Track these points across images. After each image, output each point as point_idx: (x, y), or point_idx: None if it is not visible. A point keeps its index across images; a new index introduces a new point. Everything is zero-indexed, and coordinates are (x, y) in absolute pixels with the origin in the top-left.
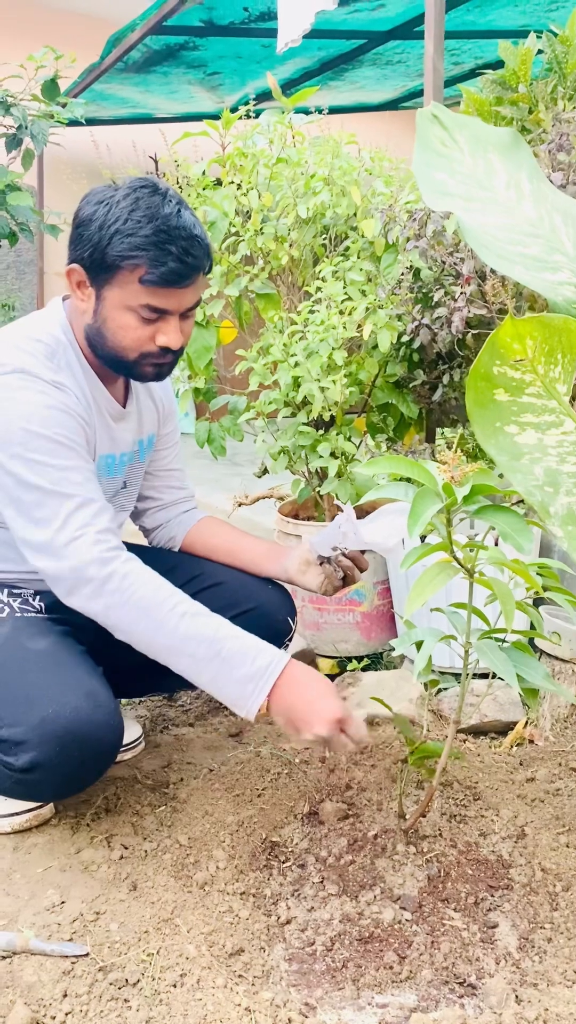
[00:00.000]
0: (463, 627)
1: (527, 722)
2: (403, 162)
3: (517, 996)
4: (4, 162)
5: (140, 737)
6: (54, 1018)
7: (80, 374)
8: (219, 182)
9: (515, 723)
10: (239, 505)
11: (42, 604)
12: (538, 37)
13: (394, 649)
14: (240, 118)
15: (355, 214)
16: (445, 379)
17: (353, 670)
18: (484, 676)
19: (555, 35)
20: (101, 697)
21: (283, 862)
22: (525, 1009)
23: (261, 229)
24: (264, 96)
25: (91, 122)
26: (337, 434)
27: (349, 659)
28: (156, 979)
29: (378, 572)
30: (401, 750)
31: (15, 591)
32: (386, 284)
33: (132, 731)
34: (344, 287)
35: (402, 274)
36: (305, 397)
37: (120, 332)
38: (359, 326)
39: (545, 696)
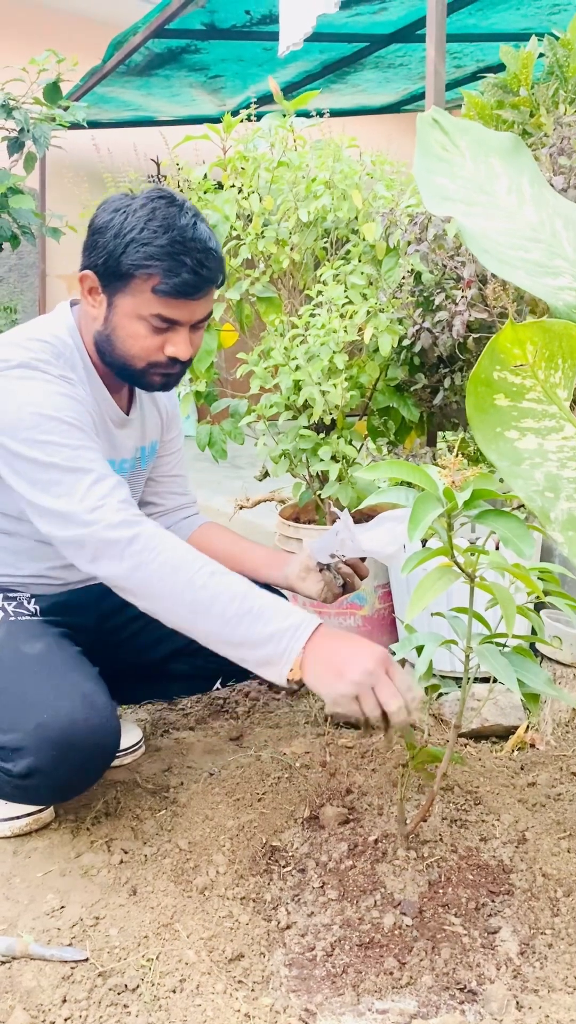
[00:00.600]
0: (464, 632)
1: (528, 727)
2: (404, 165)
3: (518, 1002)
4: (6, 165)
5: (140, 741)
6: (53, 1023)
7: (84, 377)
8: (220, 185)
9: (516, 727)
10: (240, 508)
11: (37, 607)
12: (539, 41)
13: (395, 653)
14: (241, 121)
15: (356, 218)
16: (446, 383)
17: None
18: (485, 680)
19: (556, 39)
20: (97, 700)
21: (283, 867)
22: (526, 1015)
23: (262, 233)
24: (266, 99)
25: (93, 125)
26: (338, 438)
27: None
28: (155, 984)
29: (379, 576)
30: (402, 755)
31: (10, 595)
32: (387, 288)
33: (132, 735)
34: (345, 291)
35: (403, 278)
36: (306, 400)
37: (130, 340)
38: (360, 330)
39: (546, 701)
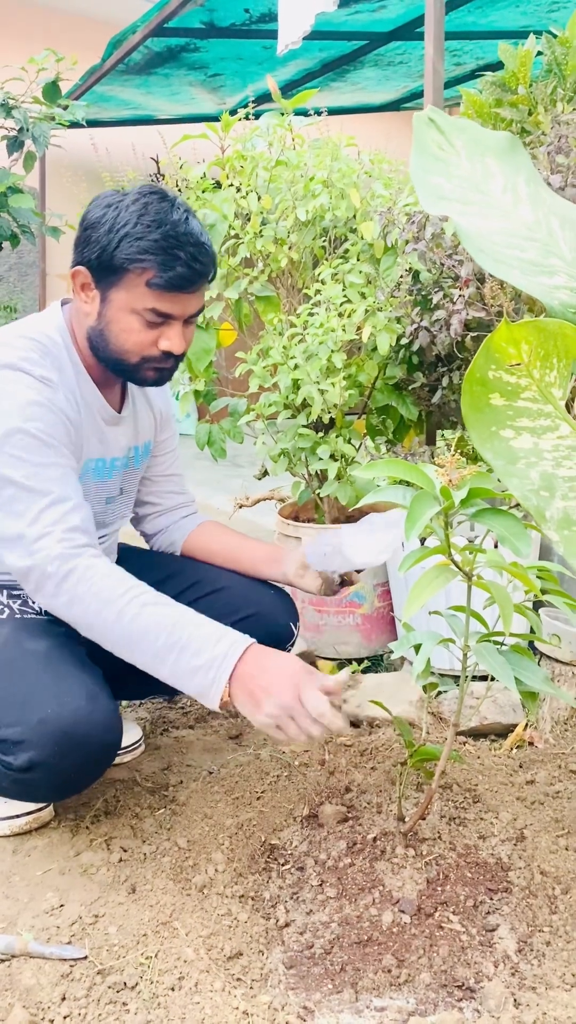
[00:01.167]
0: (462, 630)
1: (527, 725)
2: (403, 164)
3: (515, 1000)
4: (6, 165)
5: (140, 739)
6: (52, 1021)
7: (72, 375)
8: (218, 184)
9: (515, 726)
10: (240, 507)
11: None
12: (538, 39)
13: (394, 654)
14: (239, 120)
15: (354, 216)
16: (444, 381)
17: (353, 672)
18: (484, 679)
19: (555, 36)
20: (100, 698)
21: (282, 865)
22: (523, 1013)
23: (260, 232)
24: (266, 97)
25: (93, 124)
26: (336, 436)
27: (349, 661)
28: (154, 982)
29: (378, 575)
30: (401, 753)
31: (15, 592)
32: (385, 286)
33: (132, 733)
34: (343, 289)
35: (401, 276)
36: (304, 399)
37: (123, 335)
38: (358, 328)
39: (545, 699)
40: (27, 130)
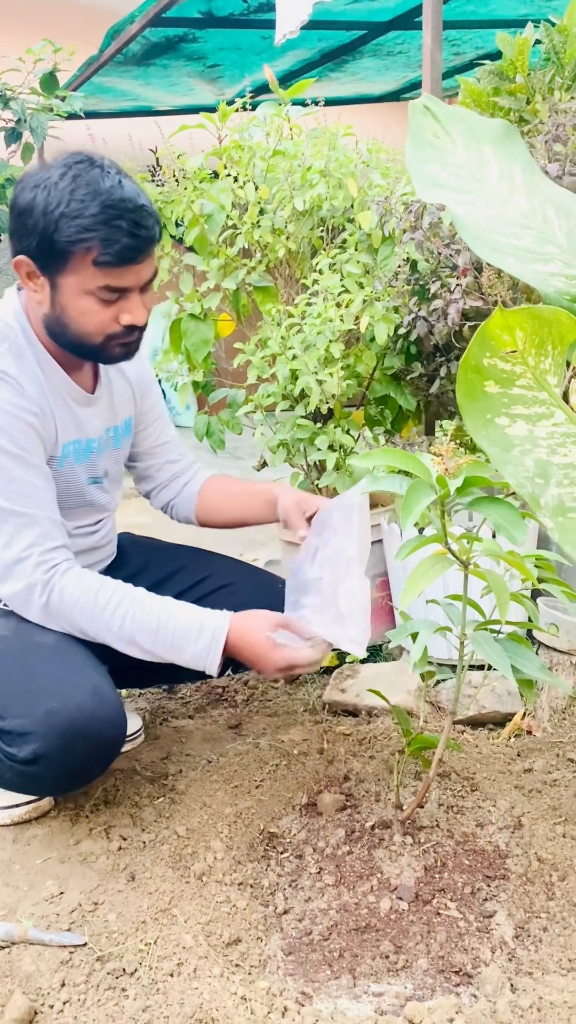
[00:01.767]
0: (459, 618)
1: (525, 714)
2: (400, 153)
3: (512, 985)
4: (4, 156)
5: (140, 729)
6: (52, 1007)
7: (33, 361)
8: (215, 175)
9: (513, 714)
10: None
11: None
12: (536, 27)
13: (391, 643)
14: (237, 111)
15: (352, 206)
16: (442, 371)
17: (352, 662)
18: (482, 668)
19: (553, 25)
20: (107, 693)
21: (281, 853)
22: (520, 997)
23: (258, 222)
24: (265, 88)
25: (91, 115)
26: (335, 427)
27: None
28: (153, 968)
29: (377, 565)
30: (399, 742)
31: None
32: (383, 276)
33: (132, 723)
34: (341, 279)
35: (399, 266)
36: (303, 390)
37: (82, 318)
38: (356, 318)
39: (543, 687)
40: (25, 121)
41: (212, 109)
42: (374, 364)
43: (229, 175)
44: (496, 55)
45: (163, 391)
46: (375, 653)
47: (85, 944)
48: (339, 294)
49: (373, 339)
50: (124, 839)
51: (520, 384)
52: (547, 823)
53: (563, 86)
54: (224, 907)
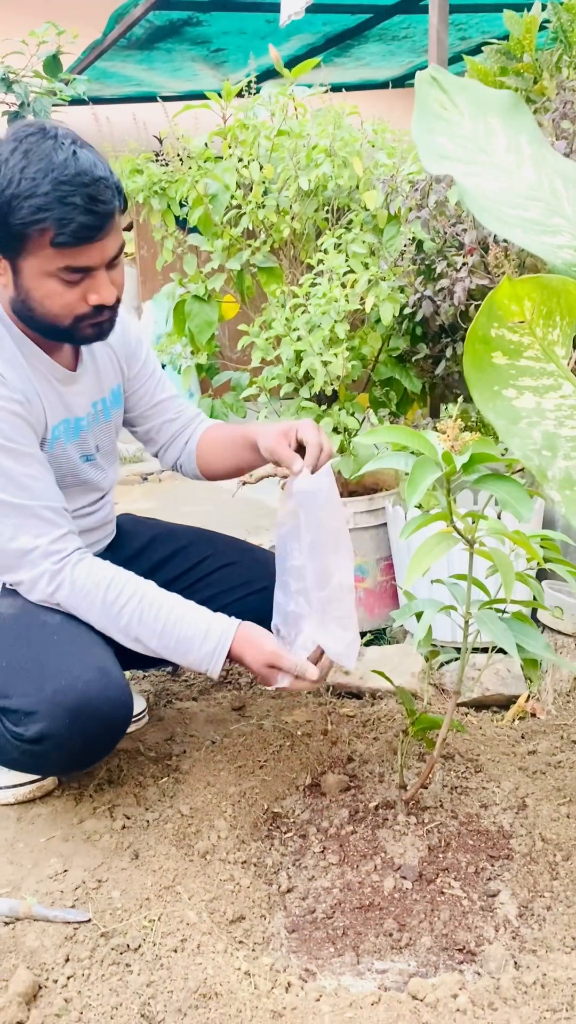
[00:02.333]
0: (463, 598)
1: (529, 696)
2: (407, 134)
3: (516, 962)
4: None
5: (144, 711)
6: (56, 981)
7: (12, 345)
8: (219, 158)
9: (517, 697)
10: (244, 484)
11: None
12: (543, 7)
13: (395, 623)
14: (241, 91)
15: (357, 186)
16: (448, 352)
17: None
18: (486, 651)
19: (561, 3)
20: (113, 673)
21: (284, 832)
22: (523, 974)
23: (263, 202)
24: (269, 74)
25: (95, 101)
26: (340, 409)
27: None
28: (157, 944)
29: (381, 548)
30: (403, 723)
31: None
32: (388, 256)
33: (136, 704)
34: (346, 260)
35: (404, 246)
36: (307, 372)
37: (47, 301)
38: (361, 299)
39: (547, 670)
40: (28, 105)
41: (216, 95)
42: (379, 346)
43: (233, 155)
44: (502, 39)
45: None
46: (379, 636)
47: (89, 920)
48: (344, 274)
49: (378, 320)
50: (128, 818)
51: (528, 356)
52: (551, 804)
53: (571, 64)
54: (228, 885)
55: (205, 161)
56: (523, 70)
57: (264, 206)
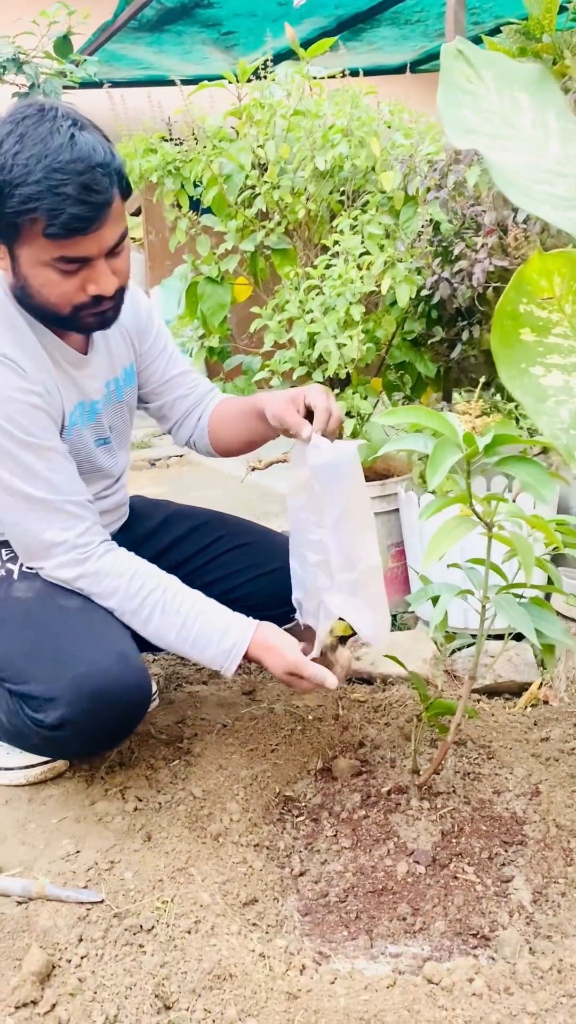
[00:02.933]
0: (480, 582)
1: (542, 683)
2: (423, 115)
3: (531, 947)
4: None
5: (155, 694)
6: (70, 961)
7: (26, 327)
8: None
9: (529, 684)
10: (252, 469)
11: None
12: None
13: (407, 611)
14: (256, 70)
15: (373, 168)
16: (464, 336)
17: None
18: (499, 637)
19: None
20: (132, 659)
21: (296, 816)
22: (539, 960)
23: (278, 183)
24: (280, 58)
25: (102, 84)
26: (353, 393)
27: None
28: (171, 926)
29: (392, 534)
30: (414, 709)
31: None
32: (405, 238)
33: None
34: (362, 241)
35: (422, 227)
36: (321, 355)
37: (44, 289)
38: (377, 280)
39: (560, 657)
40: (38, 86)
41: (232, 74)
42: (394, 329)
43: (248, 134)
44: (521, 22)
45: None
46: (391, 623)
47: (102, 901)
48: (360, 255)
49: (394, 303)
50: (140, 800)
51: (556, 332)
52: (565, 791)
53: None
54: (240, 868)
55: (220, 140)
56: (542, 51)
57: (279, 186)
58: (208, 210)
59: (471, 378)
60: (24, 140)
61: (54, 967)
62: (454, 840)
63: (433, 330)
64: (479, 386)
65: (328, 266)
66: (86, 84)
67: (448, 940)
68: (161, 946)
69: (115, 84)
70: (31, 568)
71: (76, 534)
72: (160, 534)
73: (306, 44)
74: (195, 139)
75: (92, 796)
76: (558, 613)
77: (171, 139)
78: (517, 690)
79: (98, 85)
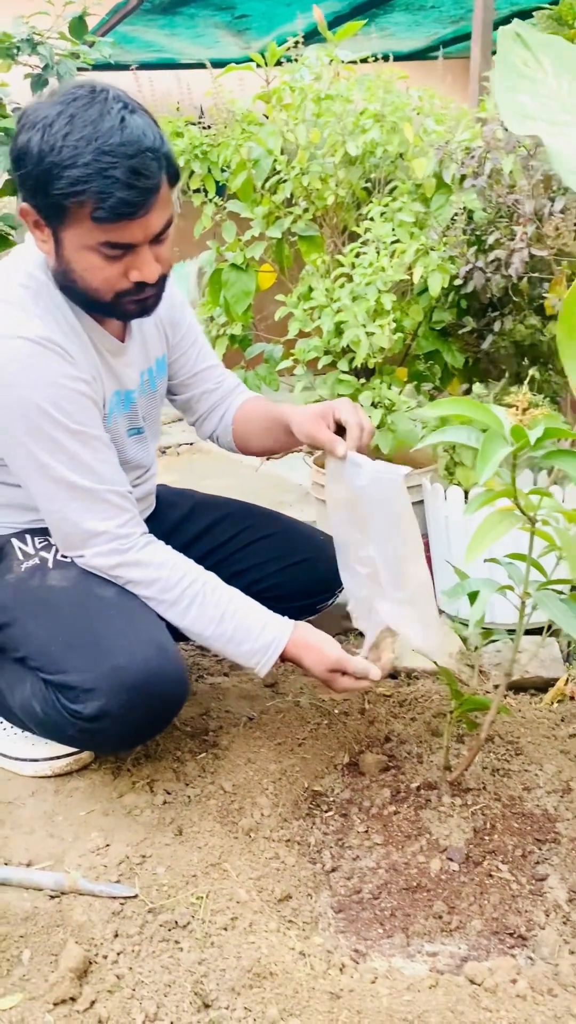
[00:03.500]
0: (520, 578)
1: (568, 679)
2: (452, 101)
3: (570, 948)
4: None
5: None
6: (106, 957)
7: (69, 312)
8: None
9: (555, 680)
10: (267, 459)
11: None
12: None
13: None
14: (288, 49)
15: (402, 155)
16: (496, 326)
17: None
18: (528, 633)
19: None
20: (170, 650)
21: (325, 811)
22: None
23: (307, 168)
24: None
25: (115, 67)
26: (380, 382)
27: None
28: (207, 922)
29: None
30: (440, 704)
31: None
32: (437, 226)
33: None
34: (393, 229)
35: (455, 215)
36: (347, 345)
37: (87, 274)
38: (409, 269)
39: None
40: (51, 67)
41: (237, 63)
42: (420, 319)
43: (278, 118)
44: (527, 13)
45: None
46: (443, 635)
47: (136, 896)
48: (391, 243)
49: (424, 291)
50: (168, 793)
51: None
52: None
53: None
54: (274, 863)
55: (249, 123)
56: (574, 37)
57: (308, 172)
58: (233, 196)
59: (501, 369)
60: (74, 121)
61: (91, 963)
62: (486, 837)
63: (463, 320)
64: (503, 379)
65: (358, 254)
66: (99, 66)
67: (485, 939)
68: (198, 943)
69: (125, 68)
70: (66, 557)
71: (117, 524)
72: (187, 524)
73: (317, 30)
74: (224, 125)
75: (119, 788)
76: None
77: (199, 123)
78: (543, 686)
79: (113, 67)
